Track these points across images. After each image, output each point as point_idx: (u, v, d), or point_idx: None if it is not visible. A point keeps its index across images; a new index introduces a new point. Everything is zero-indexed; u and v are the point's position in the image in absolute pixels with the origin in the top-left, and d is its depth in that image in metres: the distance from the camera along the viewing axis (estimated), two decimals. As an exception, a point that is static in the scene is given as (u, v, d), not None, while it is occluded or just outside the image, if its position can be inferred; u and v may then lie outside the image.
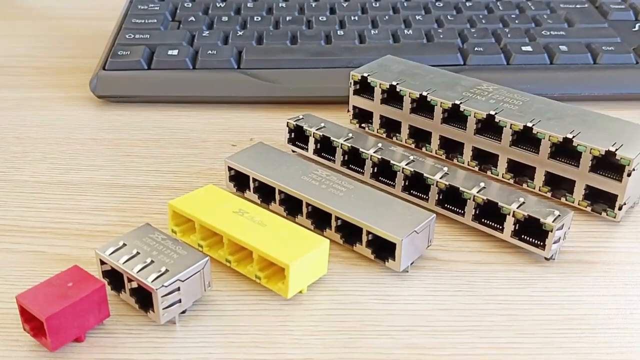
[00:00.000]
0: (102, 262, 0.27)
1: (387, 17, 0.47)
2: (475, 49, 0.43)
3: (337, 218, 0.30)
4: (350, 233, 0.30)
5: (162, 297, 0.25)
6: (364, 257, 0.30)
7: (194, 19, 0.47)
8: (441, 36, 0.45)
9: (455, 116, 0.34)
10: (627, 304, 0.28)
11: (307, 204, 0.30)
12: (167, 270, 0.26)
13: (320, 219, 0.31)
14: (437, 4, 0.49)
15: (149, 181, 0.35)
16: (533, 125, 0.32)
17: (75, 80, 0.46)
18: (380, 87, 0.36)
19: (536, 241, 0.29)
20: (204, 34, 0.45)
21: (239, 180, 0.33)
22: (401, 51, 0.43)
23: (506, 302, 0.28)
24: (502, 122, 0.32)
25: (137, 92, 0.42)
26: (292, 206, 0.31)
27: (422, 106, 0.35)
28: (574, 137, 0.31)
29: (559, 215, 0.28)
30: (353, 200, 0.30)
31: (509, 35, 0.45)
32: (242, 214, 0.29)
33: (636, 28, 0.47)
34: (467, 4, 0.49)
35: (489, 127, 0.33)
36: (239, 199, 0.30)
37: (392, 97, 0.36)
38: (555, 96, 0.41)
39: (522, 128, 0.32)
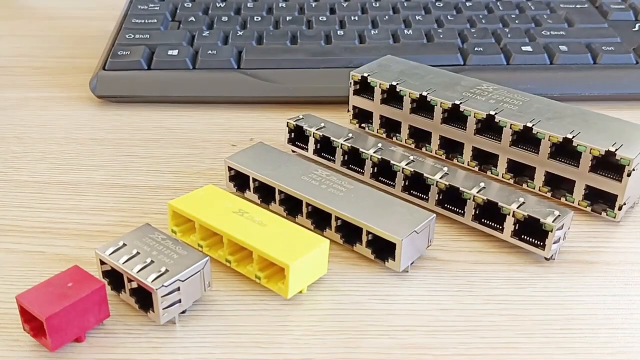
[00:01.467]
0: (102, 262, 0.27)
1: (387, 17, 0.47)
2: (475, 49, 0.43)
3: (337, 218, 0.30)
4: (350, 233, 0.30)
5: (162, 297, 0.25)
6: (364, 257, 0.30)
7: (194, 19, 0.47)
8: (441, 36, 0.45)
9: (455, 116, 0.34)
10: (627, 304, 0.28)
11: (307, 204, 0.30)
12: (167, 270, 0.26)
13: (320, 219, 0.31)
14: (437, 4, 0.49)
15: (149, 181, 0.35)
16: (533, 125, 0.32)
17: (75, 80, 0.46)
18: (380, 87, 0.36)
19: (536, 241, 0.29)
20: (204, 34, 0.45)
21: (239, 180, 0.33)
22: (401, 51, 0.43)
23: (506, 302, 0.28)
24: (502, 122, 0.32)
25: (137, 92, 0.42)
26: (292, 206, 0.31)
27: (422, 106, 0.35)
28: (573, 137, 0.31)
29: (559, 216, 0.28)
30: (353, 200, 0.30)
31: (509, 35, 0.45)
32: (242, 214, 0.29)
33: (636, 28, 0.47)
34: (467, 4, 0.49)
35: (489, 127, 0.33)
36: (238, 199, 0.30)
37: (392, 97, 0.36)
38: (555, 96, 0.42)
39: (522, 128, 0.32)
